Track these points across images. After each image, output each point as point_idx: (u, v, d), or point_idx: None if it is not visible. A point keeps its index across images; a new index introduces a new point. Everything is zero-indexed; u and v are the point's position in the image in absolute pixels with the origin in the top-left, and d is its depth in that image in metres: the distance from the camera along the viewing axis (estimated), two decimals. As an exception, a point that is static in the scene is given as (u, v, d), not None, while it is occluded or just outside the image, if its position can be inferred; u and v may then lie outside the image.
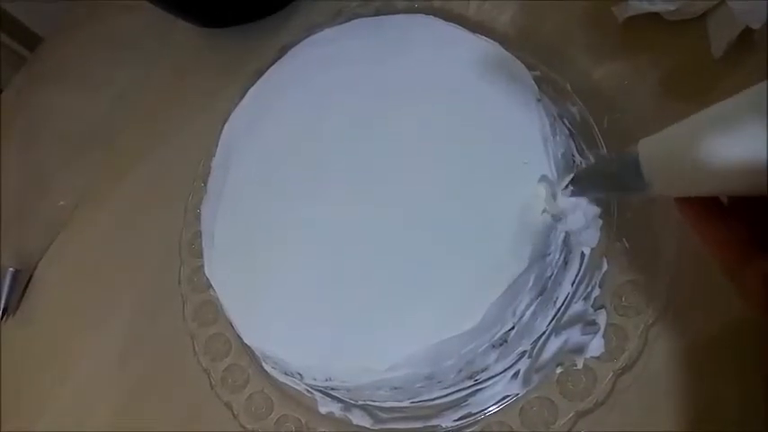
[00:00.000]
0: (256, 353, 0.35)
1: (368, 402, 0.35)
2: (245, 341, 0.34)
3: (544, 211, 0.29)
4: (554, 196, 0.29)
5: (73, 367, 0.47)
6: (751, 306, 0.21)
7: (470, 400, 0.33)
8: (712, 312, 0.30)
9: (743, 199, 0.21)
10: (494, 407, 0.32)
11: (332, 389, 0.34)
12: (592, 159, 0.29)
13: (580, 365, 0.31)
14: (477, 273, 0.29)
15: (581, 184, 0.27)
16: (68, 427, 0.45)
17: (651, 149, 0.21)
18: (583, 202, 0.29)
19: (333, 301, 0.31)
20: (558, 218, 0.29)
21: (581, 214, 0.29)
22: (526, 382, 0.32)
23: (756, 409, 0.28)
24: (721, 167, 0.18)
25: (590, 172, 0.27)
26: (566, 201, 0.29)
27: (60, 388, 0.47)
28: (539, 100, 0.32)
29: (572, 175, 0.28)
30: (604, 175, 0.25)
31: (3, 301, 0.52)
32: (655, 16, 0.37)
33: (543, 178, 0.29)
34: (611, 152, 0.29)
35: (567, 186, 0.28)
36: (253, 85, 0.42)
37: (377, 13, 0.45)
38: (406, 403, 0.34)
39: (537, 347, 0.32)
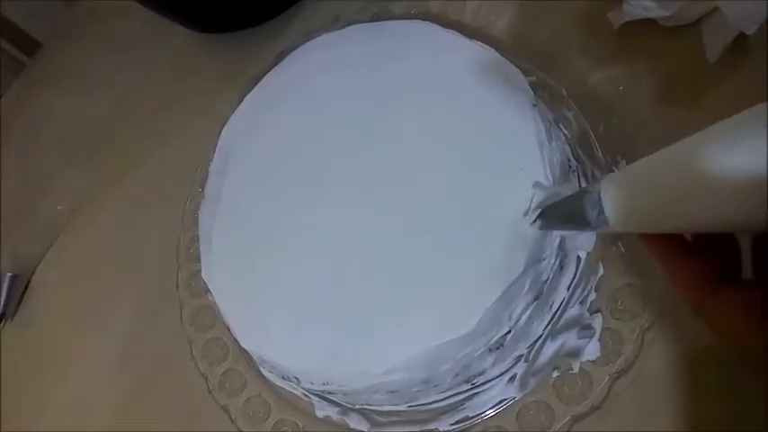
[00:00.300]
0: (254, 357, 0.36)
1: (365, 406, 0.35)
2: (243, 345, 0.34)
3: (532, 219, 0.29)
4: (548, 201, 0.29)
5: (71, 371, 0.47)
6: (720, 338, 0.21)
7: (467, 403, 0.33)
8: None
9: (705, 235, 0.21)
10: (491, 411, 0.32)
11: (329, 393, 0.34)
12: (561, 193, 0.29)
13: (576, 369, 0.31)
14: (473, 277, 0.29)
15: (547, 219, 0.28)
16: (67, 429, 0.45)
17: (613, 187, 0.21)
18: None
19: (329, 305, 0.32)
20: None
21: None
22: (523, 385, 0.32)
23: (753, 414, 0.28)
24: (683, 200, 0.18)
25: (555, 208, 0.27)
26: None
27: (59, 392, 0.47)
28: (534, 105, 0.33)
29: (539, 211, 0.28)
30: (568, 211, 0.25)
31: (1, 306, 0.52)
32: (650, 22, 0.37)
33: (537, 184, 0.29)
34: (576, 189, 0.30)
35: (535, 221, 0.29)
36: (251, 90, 0.42)
37: (374, 19, 0.46)
38: (403, 407, 0.34)
39: (533, 351, 0.32)
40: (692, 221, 0.19)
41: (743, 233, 0.21)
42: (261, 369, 0.38)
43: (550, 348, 0.32)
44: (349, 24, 0.43)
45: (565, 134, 0.37)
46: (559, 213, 0.27)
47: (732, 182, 0.16)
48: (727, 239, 0.21)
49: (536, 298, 0.30)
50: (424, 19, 0.40)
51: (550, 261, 0.31)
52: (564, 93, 0.38)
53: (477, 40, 0.37)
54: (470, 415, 0.32)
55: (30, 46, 0.74)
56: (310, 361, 0.31)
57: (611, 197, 0.21)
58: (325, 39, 0.42)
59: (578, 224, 0.24)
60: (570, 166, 0.35)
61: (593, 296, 0.32)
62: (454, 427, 0.33)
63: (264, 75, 0.43)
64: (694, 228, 0.20)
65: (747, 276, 0.21)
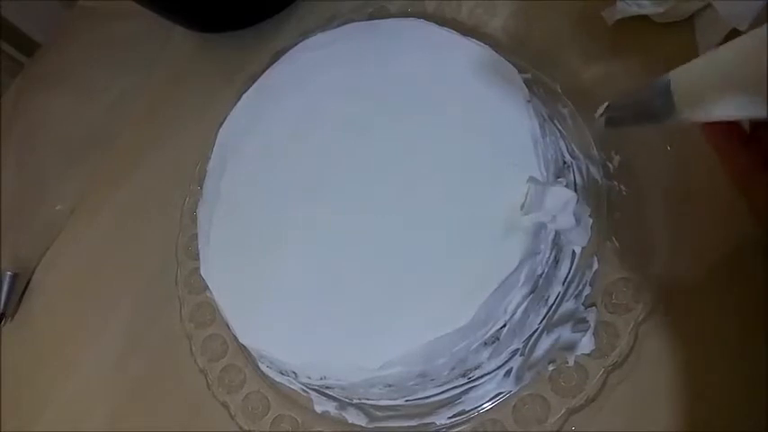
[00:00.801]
0: (252, 352, 0.36)
1: (363, 401, 0.35)
2: (241, 340, 0.34)
3: (524, 209, 0.29)
4: (542, 197, 0.29)
5: (71, 369, 0.47)
6: (758, 219, 0.24)
7: (464, 397, 0.33)
8: (702, 309, 0.31)
9: (762, 127, 0.24)
10: (487, 404, 0.32)
11: (327, 387, 0.34)
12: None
13: (571, 362, 0.31)
14: (469, 271, 0.30)
15: (615, 113, 0.27)
16: (67, 428, 0.45)
17: (682, 76, 0.23)
18: (572, 202, 0.30)
19: (326, 300, 0.32)
20: (537, 211, 0.29)
21: (570, 214, 0.30)
22: (519, 379, 0.32)
23: (745, 405, 0.28)
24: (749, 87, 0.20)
25: (623, 101, 0.27)
26: (554, 201, 0.29)
27: (59, 389, 0.47)
28: (529, 101, 0.33)
29: (606, 104, 0.27)
30: (636, 103, 0.26)
31: (1, 305, 0.52)
32: (644, 19, 0.37)
33: (531, 179, 0.30)
34: (642, 84, 0.30)
35: (602, 114, 0.28)
36: (248, 88, 0.43)
37: (371, 18, 0.46)
38: (400, 401, 0.34)
39: (529, 345, 0.33)
40: (749, 105, 0.20)
41: None
42: (260, 365, 0.38)
43: (546, 342, 0.32)
44: (345, 23, 0.43)
45: (560, 130, 0.37)
46: (628, 106, 0.27)
47: None
48: None
49: (531, 292, 0.31)
50: (419, 17, 0.40)
51: (545, 255, 0.31)
52: (559, 89, 0.38)
53: (472, 38, 0.37)
54: (467, 409, 0.33)
55: (29, 47, 0.74)
56: (308, 355, 0.31)
57: (680, 85, 0.23)
58: (321, 37, 0.42)
59: (647, 116, 0.25)
60: (565, 162, 0.35)
61: (587, 290, 0.33)
62: (451, 420, 0.33)
63: (261, 73, 0.43)
64: (754, 112, 0.21)
65: None
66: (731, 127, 0.24)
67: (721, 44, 0.21)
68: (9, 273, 0.53)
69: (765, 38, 0.19)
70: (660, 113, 0.24)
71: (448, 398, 0.33)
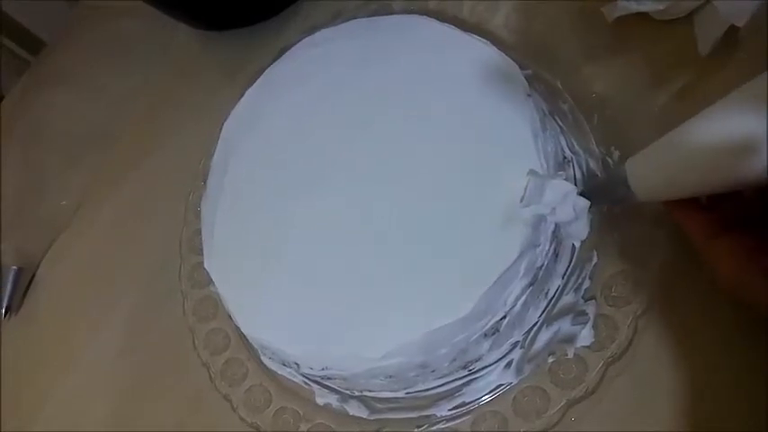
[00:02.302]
0: (254, 344, 0.36)
1: (364, 393, 0.35)
2: (243, 331, 0.34)
3: (523, 201, 0.30)
4: (541, 190, 0.29)
5: (75, 362, 0.48)
6: (719, 279, 0.25)
7: (464, 389, 0.33)
8: (701, 303, 0.31)
9: (714, 196, 0.26)
10: (487, 396, 0.33)
11: (328, 378, 0.35)
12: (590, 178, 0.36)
13: (571, 355, 0.31)
14: (469, 263, 0.30)
15: (588, 197, 0.31)
16: (70, 420, 0.45)
17: (636, 168, 0.27)
18: (572, 195, 0.30)
19: (329, 291, 0.32)
20: (536, 203, 0.30)
21: (570, 207, 0.30)
22: (519, 371, 0.32)
23: (743, 398, 0.29)
24: (690, 170, 0.24)
25: (591, 190, 0.32)
26: (553, 194, 0.29)
27: (62, 383, 0.48)
28: (529, 95, 0.33)
29: (573, 202, 0.31)
30: (602, 189, 0.32)
31: (5, 300, 0.52)
32: (643, 16, 0.38)
33: (531, 172, 0.30)
34: (603, 172, 0.35)
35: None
36: (251, 85, 0.43)
37: (374, 15, 0.46)
38: (401, 393, 0.34)
39: (529, 338, 0.33)
40: (700, 186, 0.24)
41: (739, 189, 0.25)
42: (262, 357, 0.38)
43: (546, 335, 0.33)
44: (349, 21, 0.43)
45: (560, 126, 0.37)
46: (596, 194, 0.31)
47: (723, 149, 0.22)
48: (733, 193, 0.25)
49: (531, 284, 0.31)
50: (422, 15, 0.40)
51: (545, 247, 0.31)
52: (559, 85, 0.39)
53: (474, 35, 0.38)
54: (467, 400, 0.33)
55: (34, 45, 0.74)
56: (310, 346, 0.32)
57: (634, 177, 0.27)
58: (324, 34, 0.43)
59: (613, 200, 0.31)
60: (565, 157, 0.36)
61: (587, 284, 0.33)
62: (452, 412, 0.33)
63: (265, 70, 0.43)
64: (703, 190, 0.25)
65: None
66: (688, 201, 0.26)
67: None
68: (13, 267, 0.53)
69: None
70: (623, 199, 0.28)
71: (448, 390, 0.34)
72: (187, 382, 0.42)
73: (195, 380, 0.40)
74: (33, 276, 0.55)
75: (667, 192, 0.26)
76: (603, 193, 0.31)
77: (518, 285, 0.30)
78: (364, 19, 0.42)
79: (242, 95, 0.43)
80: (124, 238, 0.52)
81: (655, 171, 0.26)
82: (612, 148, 0.35)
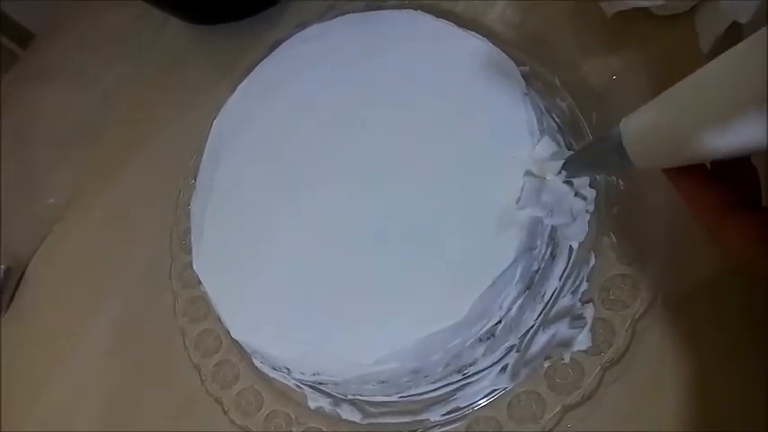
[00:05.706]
0: (245, 347, 0.35)
1: (357, 397, 0.35)
2: (233, 335, 0.34)
3: (519, 203, 0.29)
4: (538, 191, 0.29)
5: (65, 363, 0.47)
6: (729, 258, 0.23)
7: (459, 394, 0.33)
8: (700, 306, 0.31)
9: (723, 164, 0.23)
10: (482, 401, 0.32)
11: (320, 383, 0.34)
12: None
13: (567, 359, 0.31)
14: (464, 266, 0.29)
15: (572, 167, 0.29)
16: (60, 421, 0.45)
17: (632, 129, 0.22)
18: (569, 196, 0.30)
19: (320, 295, 0.32)
20: (532, 205, 0.29)
21: (567, 209, 0.30)
22: (514, 376, 0.32)
23: (742, 403, 0.28)
24: (702, 133, 0.19)
25: (579, 155, 0.28)
26: (551, 195, 0.29)
27: (52, 383, 0.47)
28: (526, 94, 0.32)
29: (563, 161, 0.29)
30: (592, 156, 0.27)
31: (-5, 299, 0.52)
32: (643, 11, 0.37)
33: (528, 173, 0.29)
34: (595, 135, 0.31)
35: (560, 171, 0.29)
36: (242, 80, 0.42)
37: (367, 10, 0.45)
38: (394, 398, 0.34)
39: (525, 341, 0.32)
40: (704, 149, 0.20)
41: (747, 154, 0.21)
42: (253, 360, 0.38)
43: (542, 338, 0.32)
44: (341, 15, 0.42)
45: (557, 123, 0.36)
46: (582, 162, 0.28)
47: (730, 104, 0.18)
48: (745, 168, 0.22)
49: (527, 288, 0.30)
50: (416, 9, 0.40)
51: (541, 250, 0.31)
52: (557, 82, 0.38)
53: (469, 30, 0.37)
54: (462, 405, 0.33)
55: (23, 38, 0.73)
56: (301, 351, 0.31)
57: (631, 139, 0.22)
58: (316, 29, 0.42)
59: (603, 167, 0.27)
60: (562, 156, 0.35)
61: (584, 286, 0.32)
62: (445, 417, 0.33)
63: (256, 65, 0.42)
64: (708, 155, 0.21)
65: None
66: (690, 168, 0.23)
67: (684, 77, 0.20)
68: (2, 266, 0.53)
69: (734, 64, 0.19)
70: (617, 166, 0.24)
71: (442, 394, 0.33)
72: (178, 384, 0.41)
73: (186, 382, 0.40)
74: (22, 275, 0.54)
75: (668, 156, 0.22)
76: (594, 162, 0.27)
77: (514, 289, 0.30)
78: (357, 14, 0.41)
79: (233, 91, 0.42)
80: (114, 237, 0.52)
81: (654, 131, 0.22)
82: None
